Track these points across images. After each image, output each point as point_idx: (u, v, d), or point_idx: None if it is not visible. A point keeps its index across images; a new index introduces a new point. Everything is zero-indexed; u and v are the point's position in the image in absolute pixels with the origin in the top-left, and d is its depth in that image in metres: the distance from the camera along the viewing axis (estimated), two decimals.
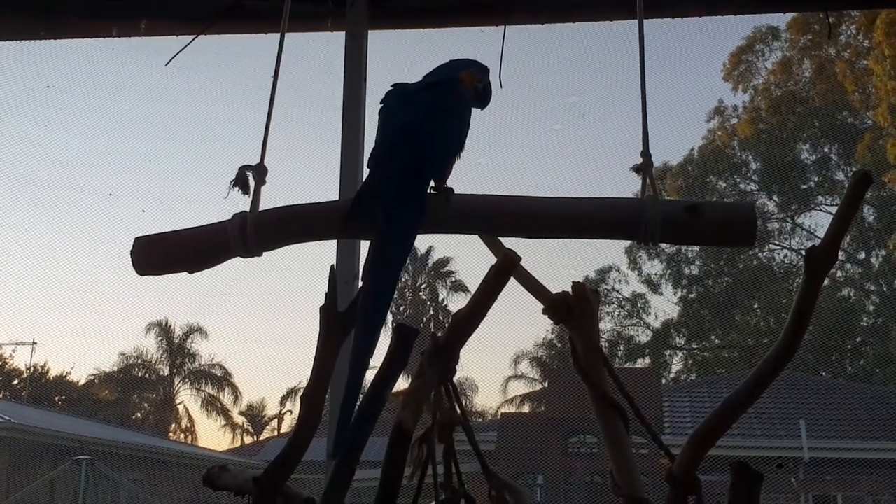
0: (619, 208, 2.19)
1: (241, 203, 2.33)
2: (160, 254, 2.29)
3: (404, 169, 2.17)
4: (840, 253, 28.92)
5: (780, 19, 28.70)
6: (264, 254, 2.27)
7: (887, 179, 23.34)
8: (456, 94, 2.30)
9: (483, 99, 2.38)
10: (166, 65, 4.11)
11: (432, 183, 2.20)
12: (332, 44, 4.06)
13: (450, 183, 2.21)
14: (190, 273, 2.29)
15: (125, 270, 2.29)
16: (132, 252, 2.27)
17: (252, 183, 2.38)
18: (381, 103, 2.34)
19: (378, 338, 2.06)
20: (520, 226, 2.19)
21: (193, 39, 4.05)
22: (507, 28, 4.09)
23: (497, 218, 2.20)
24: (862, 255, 29.55)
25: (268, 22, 4.06)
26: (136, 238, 2.28)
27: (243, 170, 2.39)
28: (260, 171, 2.40)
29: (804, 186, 30.39)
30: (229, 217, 2.26)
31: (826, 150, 29.96)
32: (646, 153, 2.30)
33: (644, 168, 2.27)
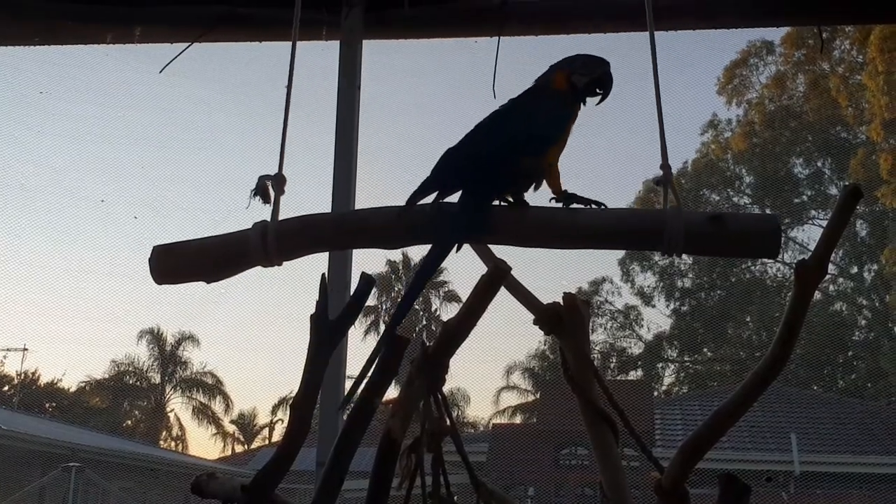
0: (642, 219, 2.20)
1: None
2: (179, 262, 2.28)
3: (471, 174, 2.18)
4: (832, 267, 28.98)
5: (775, 34, 28.75)
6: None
7: (880, 195, 23.40)
8: (541, 97, 2.29)
9: (589, 92, 2.31)
10: (160, 72, 4.12)
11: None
12: (327, 53, 4.07)
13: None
14: (208, 283, 2.29)
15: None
16: (150, 260, 2.26)
17: (272, 192, 2.38)
18: None
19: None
20: (541, 236, 2.19)
21: (188, 47, 4.07)
22: (502, 39, 4.10)
23: (519, 228, 2.19)
24: (854, 270, 29.63)
25: (262, 30, 4.08)
26: (154, 247, 2.27)
27: (263, 179, 2.39)
28: (279, 180, 2.40)
29: (797, 200, 30.47)
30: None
31: (819, 164, 30.06)
32: (665, 165, 2.29)
33: (665, 179, 2.27)
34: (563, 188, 2.19)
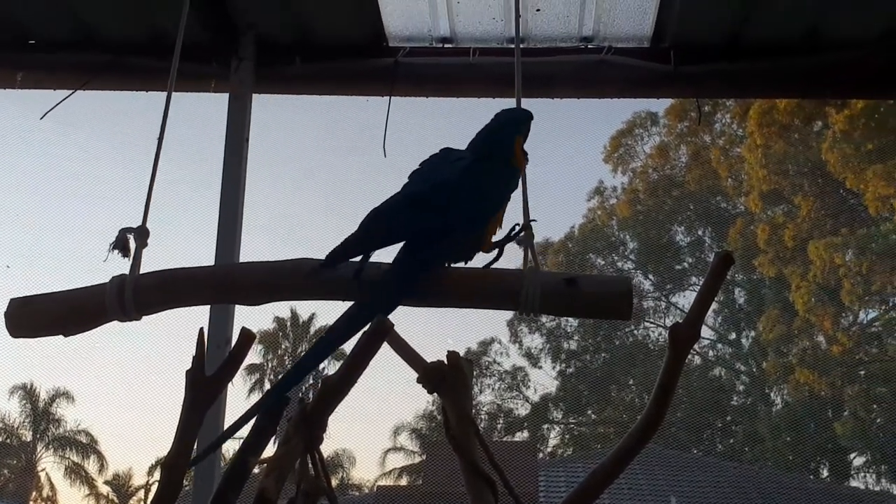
0: (500, 279, 2.21)
1: (112, 263, 2.27)
2: (36, 316, 2.21)
3: (422, 236, 2.15)
4: (712, 333, 29.73)
5: (659, 105, 29.87)
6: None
7: (757, 263, 24.29)
8: (481, 167, 2.25)
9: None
10: (41, 118, 4.02)
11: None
12: (214, 104, 4.04)
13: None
14: (65, 336, 2.22)
15: None
16: (6, 314, 2.20)
17: (132, 245, 2.32)
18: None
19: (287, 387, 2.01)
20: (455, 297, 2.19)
21: (71, 94, 3.98)
22: (393, 99, 4.14)
23: (440, 289, 2.18)
24: (733, 336, 30.48)
25: (148, 79, 4.02)
26: (11, 299, 2.20)
27: (123, 232, 2.33)
28: (141, 233, 2.35)
29: (678, 267, 31.34)
30: (101, 276, 2.21)
31: (700, 233, 31.04)
32: (527, 226, 2.33)
33: (525, 240, 2.31)
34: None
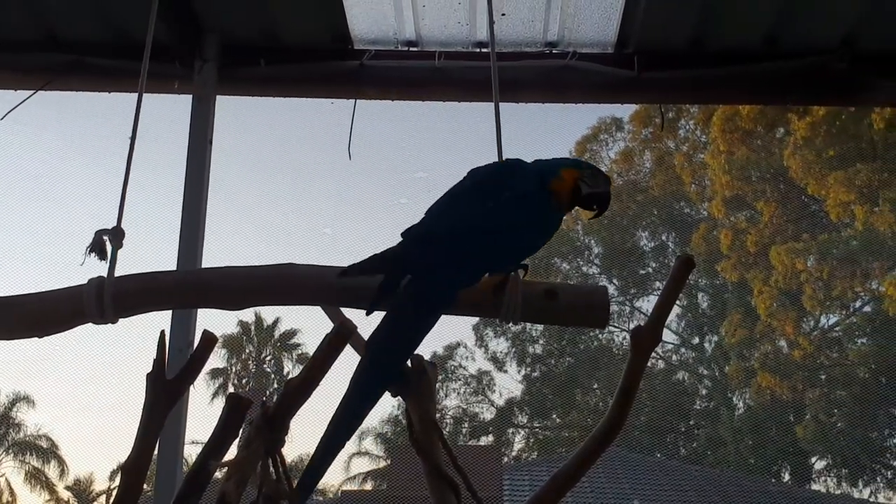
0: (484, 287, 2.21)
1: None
2: (10, 318, 2.17)
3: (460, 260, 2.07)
4: (675, 337, 29.92)
5: (624, 111, 30.10)
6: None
7: (720, 268, 24.50)
8: (543, 199, 2.17)
9: (585, 203, 2.23)
10: (2, 118, 3.98)
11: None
12: (177, 105, 4.01)
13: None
14: (39, 338, 2.19)
15: None
16: None
17: (109, 248, 2.30)
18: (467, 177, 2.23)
19: (367, 412, 1.94)
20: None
21: (32, 94, 3.94)
22: (358, 102, 4.14)
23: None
24: (696, 341, 30.72)
25: (110, 80, 3.99)
26: None
27: (100, 234, 2.31)
28: (117, 234, 2.32)
29: (642, 272, 31.53)
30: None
31: (664, 237, 31.26)
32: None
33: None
34: None
